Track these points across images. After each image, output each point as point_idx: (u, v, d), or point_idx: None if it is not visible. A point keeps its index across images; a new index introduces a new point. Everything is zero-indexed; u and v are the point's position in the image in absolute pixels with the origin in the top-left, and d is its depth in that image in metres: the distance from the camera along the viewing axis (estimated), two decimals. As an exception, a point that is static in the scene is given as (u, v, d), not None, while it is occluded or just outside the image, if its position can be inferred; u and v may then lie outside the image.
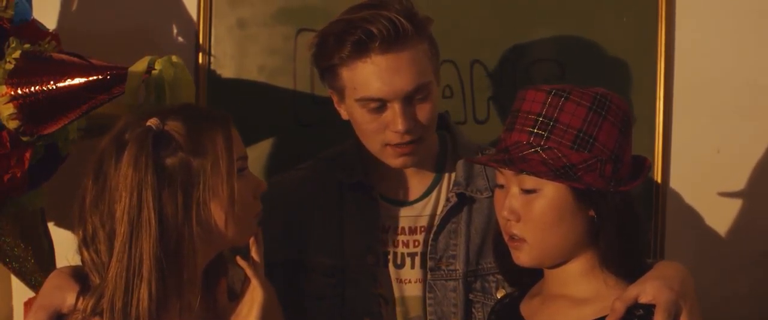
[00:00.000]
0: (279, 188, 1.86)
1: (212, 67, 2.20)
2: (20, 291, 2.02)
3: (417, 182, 1.85)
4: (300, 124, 2.20)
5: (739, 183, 2.23)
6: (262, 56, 2.21)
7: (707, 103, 2.22)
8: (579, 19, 2.21)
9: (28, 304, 2.00)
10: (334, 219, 1.84)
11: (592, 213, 1.49)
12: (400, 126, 1.69)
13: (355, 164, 1.85)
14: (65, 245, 2.00)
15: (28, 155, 1.78)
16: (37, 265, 1.90)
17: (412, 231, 1.83)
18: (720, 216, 2.24)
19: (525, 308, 1.62)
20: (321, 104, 2.20)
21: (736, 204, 2.23)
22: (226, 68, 2.21)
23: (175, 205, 1.46)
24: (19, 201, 1.85)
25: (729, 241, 2.24)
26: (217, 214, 1.49)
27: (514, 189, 1.51)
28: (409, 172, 1.83)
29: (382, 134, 1.73)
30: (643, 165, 1.57)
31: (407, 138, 1.72)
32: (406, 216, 1.84)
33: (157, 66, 1.89)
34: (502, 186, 1.54)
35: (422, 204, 1.84)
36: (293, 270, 1.84)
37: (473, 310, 1.81)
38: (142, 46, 2.08)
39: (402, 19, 1.67)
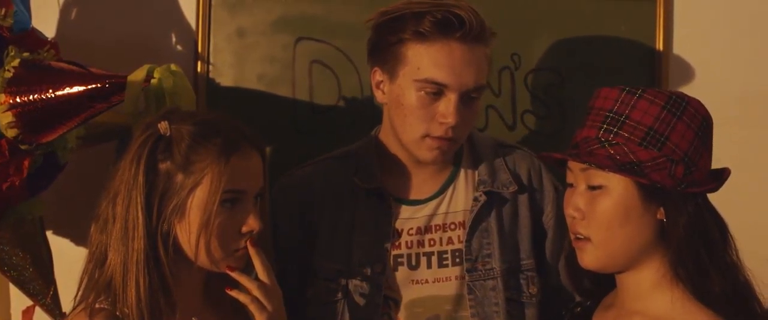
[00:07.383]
0: (290, 186, 1.85)
1: (211, 75, 2.20)
2: (18, 300, 2.01)
3: (432, 180, 1.82)
4: (298, 132, 2.20)
5: (734, 192, 2.22)
6: (261, 65, 2.21)
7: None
8: (578, 28, 2.21)
9: (26, 313, 2.00)
10: (344, 223, 1.81)
11: (660, 215, 1.44)
12: (450, 118, 1.67)
13: (372, 168, 1.82)
14: (64, 253, 2.01)
15: (27, 163, 1.77)
16: (35, 273, 1.90)
17: (427, 230, 1.80)
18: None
19: None
20: (320, 112, 2.20)
21: (731, 213, 2.22)
22: (225, 76, 2.21)
23: (151, 211, 1.47)
24: (17, 209, 1.85)
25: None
26: (182, 236, 1.49)
27: (581, 187, 1.48)
28: (426, 170, 1.81)
29: (427, 123, 1.69)
30: (721, 175, 1.52)
31: (450, 133, 1.69)
32: (420, 216, 1.81)
33: (157, 74, 1.89)
34: (571, 185, 1.51)
35: (436, 202, 1.81)
36: (300, 273, 1.81)
37: (509, 308, 1.78)
38: (141, 55, 2.08)
39: (482, 19, 1.68)
